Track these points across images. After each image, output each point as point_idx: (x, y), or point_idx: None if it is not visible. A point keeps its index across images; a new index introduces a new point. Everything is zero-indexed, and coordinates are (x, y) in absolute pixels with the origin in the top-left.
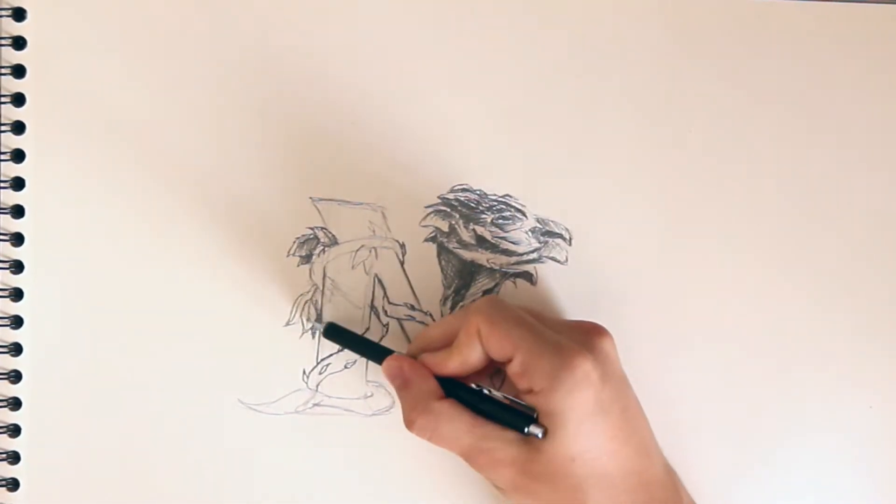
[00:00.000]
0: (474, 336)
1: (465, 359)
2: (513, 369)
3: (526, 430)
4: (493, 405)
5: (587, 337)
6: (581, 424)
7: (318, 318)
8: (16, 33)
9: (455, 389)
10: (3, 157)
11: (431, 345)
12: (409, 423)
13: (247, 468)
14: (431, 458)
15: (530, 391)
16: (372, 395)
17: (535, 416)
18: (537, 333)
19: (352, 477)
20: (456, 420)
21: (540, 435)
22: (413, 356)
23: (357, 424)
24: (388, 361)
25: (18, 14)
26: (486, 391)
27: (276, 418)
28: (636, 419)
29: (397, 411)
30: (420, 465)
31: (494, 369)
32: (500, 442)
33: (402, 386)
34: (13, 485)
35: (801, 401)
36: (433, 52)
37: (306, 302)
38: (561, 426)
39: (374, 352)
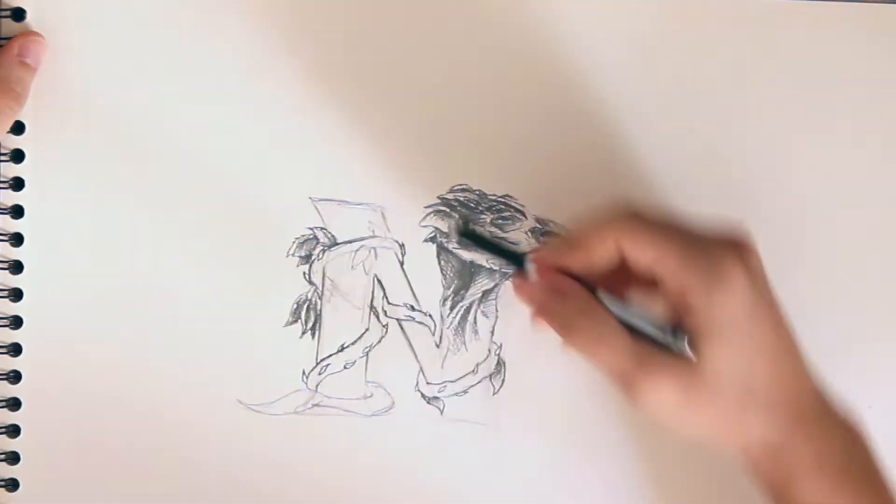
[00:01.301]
0: (607, 240)
1: (589, 255)
2: (662, 279)
3: (680, 345)
4: (643, 321)
5: (735, 249)
6: (737, 336)
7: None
8: (15, 34)
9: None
10: (2, 157)
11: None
12: (567, 330)
13: (246, 468)
14: (430, 459)
15: (681, 296)
16: (371, 396)
17: (685, 338)
18: (685, 235)
19: (351, 477)
20: (620, 333)
21: (691, 354)
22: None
23: (356, 425)
24: (514, 279)
25: (18, 14)
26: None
27: (276, 419)
28: (789, 336)
29: (397, 411)
30: (420, 465)
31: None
32: (661, 364)
33: (560, 301)
34: (13, 485)
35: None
36: (433, 52)
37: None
38: (717, 341)
39: (511, 256)
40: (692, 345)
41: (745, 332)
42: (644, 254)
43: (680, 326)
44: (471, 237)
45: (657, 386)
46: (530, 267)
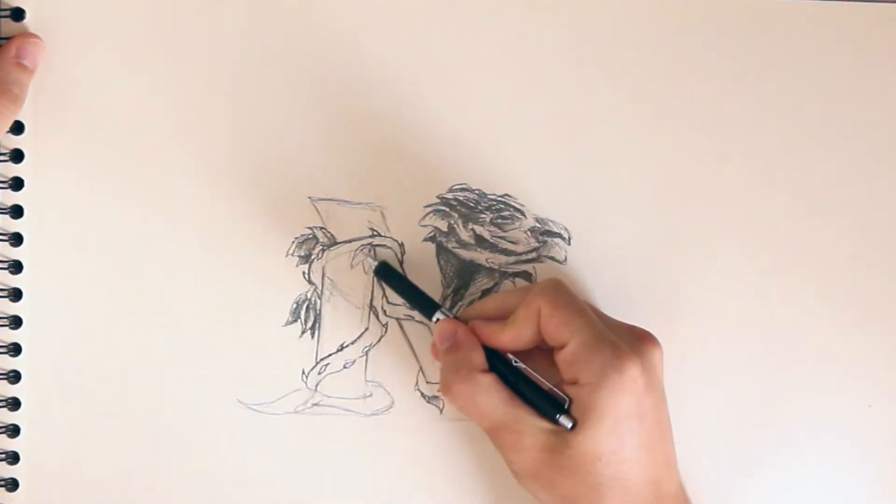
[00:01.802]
0: (534, 315)
1: (518, 334)
2: (563, 356)
3: (558, 417)
4: (532, 388)
5: (640, 343)
6: (617, 426)
7: (374, 256)
8: (14, 34)
9: (498, 363)
10: (1, 157)
11: (485, 314)
12: (446, 388)
13: (246, 468)
14: (430, 458)
15: (575, 382)
16: (371, 395)
17: (566, 406)
18: (595, 327)
19: (351, 477)
20: (494, 396)
21: (569, 426)
22: (464, 321)
23: (356, 424)
24: (443, 323)
25: (17, 14)
26: (524, 371)
27: (276, 418)
28: (665, 432)
29: (396, 411)
30: (419, 464)
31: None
32: (530, 427)
33: (451, 349)
34: (12, 485)
35: (801, 400)
36: (432, 52)
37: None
38: (596, 423)
39: (425, 304)
40: (576, 417)
41: (625, 426)
42: (556, 333)
43: (568, 399)
44: (386, 276)
45: (519, 447)
46: (438, 318)
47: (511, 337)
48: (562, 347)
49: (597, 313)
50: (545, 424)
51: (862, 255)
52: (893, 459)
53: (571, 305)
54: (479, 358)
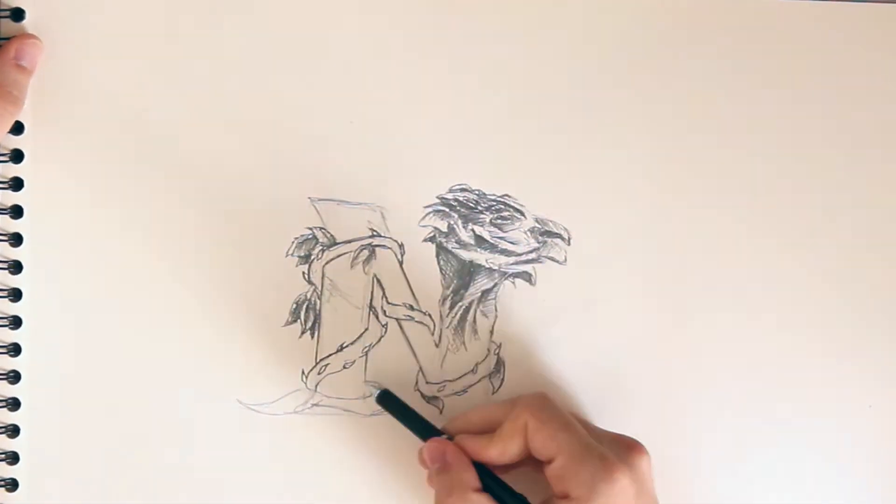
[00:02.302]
0: (520, 430)
1: (505, 449)
2: (552, 471)
3: None
4: (520, 502)
5: (627, 452)
6: None
7: (374, 383)
8: (14, 34)
9: (489, 480)
10: (1, 157)
11: (470, 427)
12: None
13: (246, 468)
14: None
15: (566, 496)
16: (371, 395)
17: None
18: (582, 440)
19: (351, 477)
20: None
21: None
22: (450, 434)
23: (356, 424)
24: (430, 443)
25: (17, 14)
26: (518, 494)
27: (275, 418)
28: None
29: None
30: (419, 465)
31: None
32: None
33: (442, 469)
34: (12, 485)
35: (801, 400)
36: (432, 52)
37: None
38: None
39: (420, 427)
40: None
41: None
42: (543, 448)
43: None
44: (387, 403)
45: None
46: (430, 447)
47: (498, 452)
48: (550, 462)
49: (583, 424)
50: None
51: (862, 255)
52: (893, 459)
53: (557, 419)
54: (472, 477)
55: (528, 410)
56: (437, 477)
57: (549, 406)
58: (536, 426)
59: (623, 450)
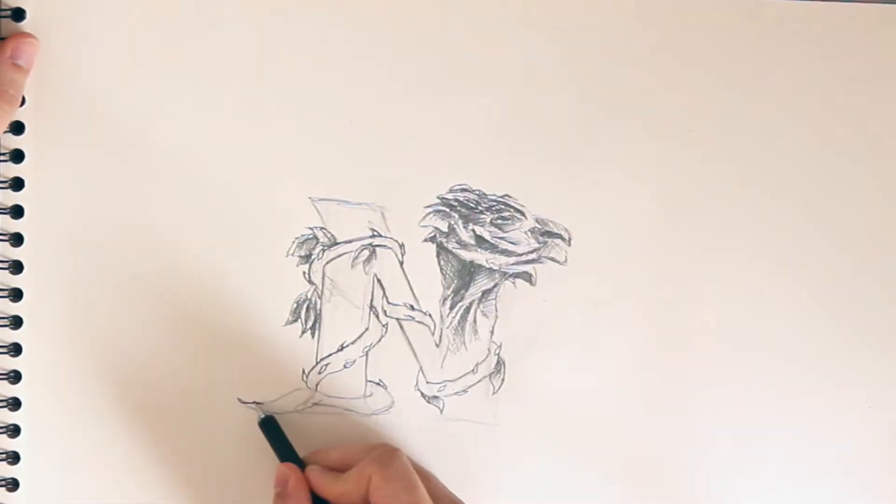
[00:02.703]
0: (364, 481)
1: (346, 493)
2: None
3: None
4: None
5: None
6: None
7: (261, 409)
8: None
9: None
10: (2, 157)
11: (328, 461)
12: None
13: (246, 468)
14: (430, 458)
15: None
16: (371, 395)
17: None
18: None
19: None
20: None
21: None
22: (306, 462)
23: (356, 424)
24: (280, 467)
25: (17, 14)
26: None
27: (276, 417)
28: None
29: (397, 410)
30: (419, 464)
31: None
32: None
33: (280, 496)
34: (13, 485)
35: (801, 400)
36: (433, 52)
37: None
38: None
39: (283, 451)
40: None
41: None
42: (381, 503)
43: None
44: (268, 429)
45: None
46: (280, 470)
47: (339, 493)
48: None
49: (434, 490)
50: None
51: (862, 255)
52: (893, 460)
53: (402, 479)
54: None
55: (376, 463)
56: (275, 501)
57: (397, 464)
58: (379, 482)
59: None
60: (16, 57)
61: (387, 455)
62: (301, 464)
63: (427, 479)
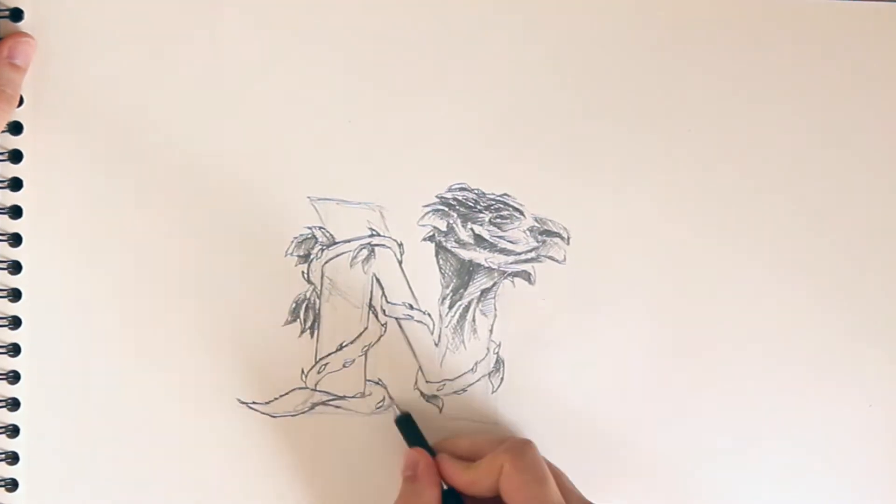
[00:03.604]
0: (496, 470)
1: (477, 481)
2: None
3: None
4: None
5: None
6: None
7: (397, 405)
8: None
9: (451, 500)
10: (0, 157)
11: (458, 451)
12: None
13: (245, 467)
14: None
15: None
16: (371, 394)
17: None
18: (551, 499)
19: (350, 476)
20: None
21: None
22: (434, 451)
23: (356, 423)
24: (411, 451)
25: (15, 15)
26: None
27: (275, 417)
28: None
29: (396, 410)
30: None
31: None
32: None
33: (410, 479)
34: (12, 485)
35: (801, 399)
36: (431, 52)
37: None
38: None
39: (413, 438)
40: None
41: None
42: (512, 495)
43: None
44: (404, 427)
45: None
46: (409, 453)
47: (469, 481)
48: None
49: (560, 482)
50: None
51: (862, 255)
52: (893, 459)
53: (533, 471)
54: (433, 495)
55: (509, 454)
56: (404, 485)
57: (530, 456)
58: (510, 472)
59: None
60: (13, 56)
61: (520, 446)
62: (432, 452)
63: (558, 475)
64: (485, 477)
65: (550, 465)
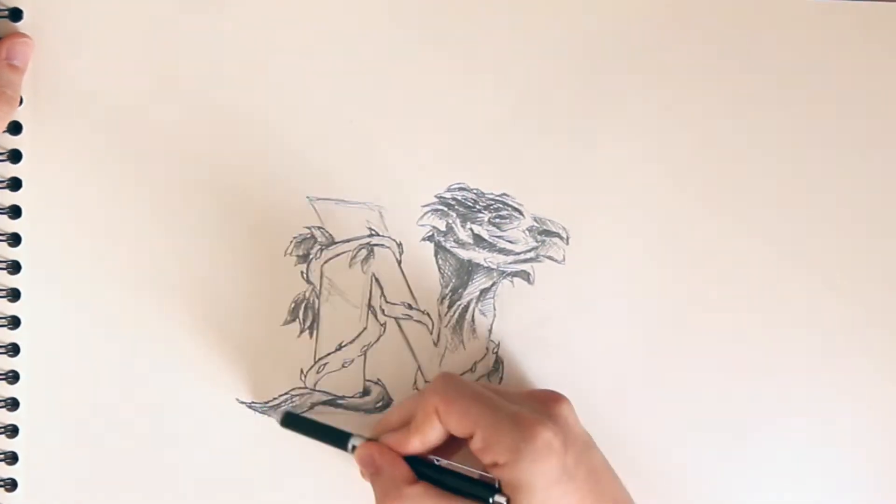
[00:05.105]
0: (432, 415)
1: (424, 437)
2: (475, 445)
3: (491, 500)
4: (459, 480)
5: (545, 405)
6: (548, 492)
7: (277, 407)
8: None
9: (420, 467)
10: (0, 157)
11: (392, 426)
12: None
13: (245, 467)
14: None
15: (494, 465)
16: (370, 394)
17: (497, 485)
18: (495, 407)
19: (350, 476)
20: (427, 503)
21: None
22: (376, 439)
23: (356, 422)
24: (359, 450)
25: (15, 14)
26: (448, 467)
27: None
28: (605, 479)
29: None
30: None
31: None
32: None
33: (375, 473)
34: (11, 485)
35: (801, 399)
36: (431, 51)
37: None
38: (527, 497)
39: (336, 437)
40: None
41: (556, 490)
42: (459, 426)
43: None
44: (293, 424)
45: None
46: (353, 445)
47: (419, 441)
48: (470, 437)
49: (494, 391)
50: None
51: (862, 254)
52: (893, 459)
53: (464, 395)
54: (402, 472)
55: (434, 394)
56: (373, 482)
57: (455, 383)
58: (445, 407)
59: (539, 404)
60: (11, 57)
61: (441, 381)
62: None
63: (495, 388)
64: (428, 429)
65: (483, 384)
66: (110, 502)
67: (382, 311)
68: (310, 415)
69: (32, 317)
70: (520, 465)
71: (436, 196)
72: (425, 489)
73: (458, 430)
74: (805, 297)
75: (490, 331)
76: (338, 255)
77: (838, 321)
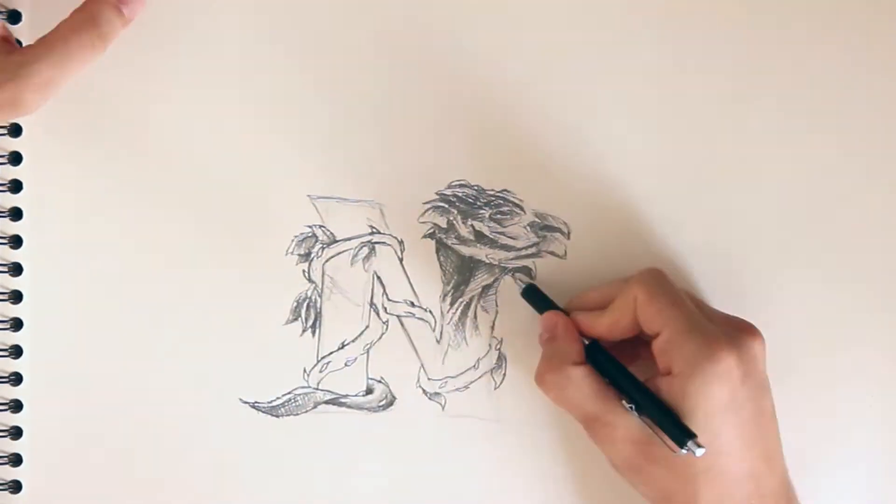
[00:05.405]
0: (631, 303)
1: (615, 322)
2: (657, 345)
3: (687, 444)
4: (630, 380)
5: (739, 333)
6: (711, 418)
7: (520, 279)
8: (14, 34)
9: (598, 356)
10: (0, 160)
11: (587, 305)
12: (540, 378)
13: (248, 467)
14: (433, 455)
15: (668, 372)
16: (373, 393)
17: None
18: (690, 316)
19: (353, 474)
20: (585, 388)
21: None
22: (568, 310)
23: (358, 422)
24: (547, 314)
25: (14, 17)
26: (623, 368)
27: (277, 417)
28: (767, 426)
29: (398, 408)
30: (421, 461)
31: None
32: (623, 418)
33: (549, 340)
34: (15, 487)
35: (800, 399)
36: (429, 48)
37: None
38: (689, 413)
39: (542, 304)
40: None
41: (719, 417)
42: (651, 321)
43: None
44: (531, 296)
45: (612, 438)
46: (546, 317)
47: (608, 324)
48: (656, 336)
49: (697, 304)
50: (634, 421)
51: (863, 255)
52: (893, 459)
53: (667, 294)
54: (574, 350)
55: (639, 284)
56: (544, 346)
57: (661, 281)
58: (645, 299)
59: (734, 331)
60: (123, 3)
61: (649, 274)
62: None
63: (699, 301)
64: (621, 315)
65: (692, 296)
66: (113, 503)
67: (385, 308)
68: (312, 414)
69: (35, 319)
70: (693, 381)
71: (437, 193)
72: (587, 373)
73: (649, 325)
74: (807, 292)
75: (492, 327)
76: (339, 253)
77: (839, 317)
